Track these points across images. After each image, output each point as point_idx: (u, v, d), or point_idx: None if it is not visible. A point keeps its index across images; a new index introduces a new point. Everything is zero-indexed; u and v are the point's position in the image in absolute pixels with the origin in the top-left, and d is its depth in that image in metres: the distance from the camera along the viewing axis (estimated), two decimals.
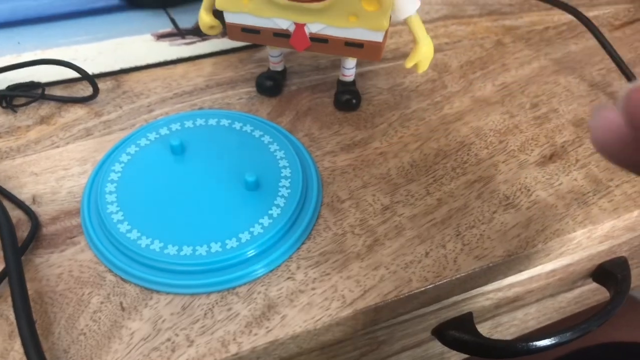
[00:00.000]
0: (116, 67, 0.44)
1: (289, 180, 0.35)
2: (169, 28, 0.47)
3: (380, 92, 0.43)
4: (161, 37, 0.46)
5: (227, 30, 0.38)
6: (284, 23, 0.36)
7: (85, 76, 0.41)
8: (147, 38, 0.46)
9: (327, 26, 0.35)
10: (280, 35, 0.37)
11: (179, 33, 0.47)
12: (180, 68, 0.44)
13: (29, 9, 0.48)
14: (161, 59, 0.44)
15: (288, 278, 0.31)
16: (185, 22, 0.48)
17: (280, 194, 0.34)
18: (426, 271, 0.32)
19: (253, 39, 0.38)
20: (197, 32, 0.47)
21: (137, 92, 0.42)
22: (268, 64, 0.42)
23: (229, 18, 0.37)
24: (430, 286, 0.31)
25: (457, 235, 0.34)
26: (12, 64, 0.40)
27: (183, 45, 0.46)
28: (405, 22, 0.35)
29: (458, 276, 0.32)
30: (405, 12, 0.34)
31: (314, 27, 0.36)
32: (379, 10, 0.34)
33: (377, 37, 0.35)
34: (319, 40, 0.36)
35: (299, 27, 0.36)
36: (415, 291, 0.31)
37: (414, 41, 0.35)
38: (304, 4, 0.34)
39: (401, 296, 0.31)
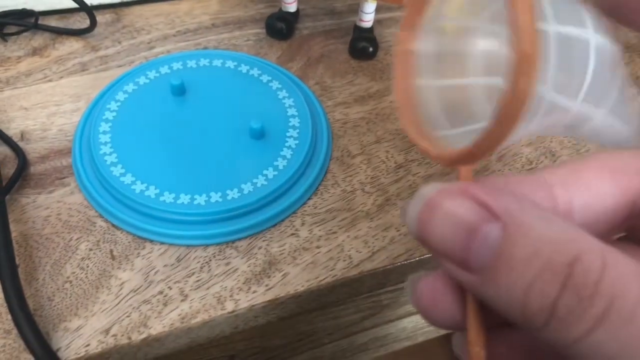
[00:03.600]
0: (116, 0, 0.40)
1: (297, 130, 0.32)
2: None
3: None
4: None
5: None
6: None
7: (82, 7, 0.37)
8: None
9: None
10: None
11: None
12: (185, 4, 0.41)
13: None
14: None
15: (292, 234, 0.29)
16: None
17: (287, 144, 0.32)
18: None
19: None
20: None
21: (138, 28, 0.39)
22: (280, 4, 0.39)
23: None
24: None
25: None
26: None
27: None
28: None
29: None
30: None
31: None
32: None
33: None
34: None
35: None
36: (427, 256, 0.29)
37: None
38: None
39: (412, 260, 0.29)
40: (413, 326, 0.43)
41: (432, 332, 0.46)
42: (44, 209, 0.29)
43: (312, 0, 0.42)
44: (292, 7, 0.39)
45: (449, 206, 0.15)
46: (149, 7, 0.40)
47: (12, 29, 0.38)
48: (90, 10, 0.37)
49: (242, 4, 0.41)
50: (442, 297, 0.16)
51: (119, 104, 0.33)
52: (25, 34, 0.38)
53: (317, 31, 0.40)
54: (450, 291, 0.16)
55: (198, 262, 0.28)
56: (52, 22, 0.39)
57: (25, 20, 0.38)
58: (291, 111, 0.33)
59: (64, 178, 0.31)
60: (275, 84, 0.34)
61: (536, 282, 0.13)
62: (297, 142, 0.32)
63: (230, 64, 0.35)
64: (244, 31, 0.39)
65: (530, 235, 0.13)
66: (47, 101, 0.34)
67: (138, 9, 0.40)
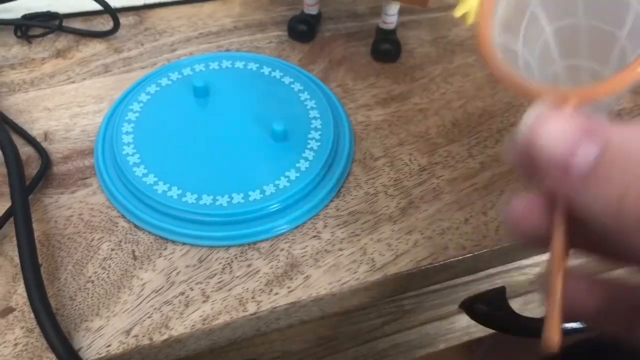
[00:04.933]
0: (139, 2, 0.41)
1: (320, 132, 0.32)
2: None
3: (422, 43, 0.39)
4: None
5: None
6: None
7: (106, 9, 0.38)
8: None
9: None
10: None
11: None
12: (207, 7, 0.41)
13: None
14: None
15: (314, 236, 0.29)
16: None
17: (309, 146, 0.31)
18: (464, 239, 0.29)
19: None
20: None
21: (160, 30, 0.39)
22: (301, 7, 0.39)
23: None
24: (469, 255, 0.29)
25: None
26: None
27: None
28: None
29: (500, 247, 0.29)
30: None
31: None
32: None
33: None
34: None
35: None
36: (451, 260, 0.28)
37: None
38: None
39: (436, 264, 0.28)
40: (435, 333, 0.42)
41: (454, 339, 0.45)
42: (67, 208, 0.29)
43: (334, 2, 0.42)
44: (314, 10, 0.39)
45: (564, 116, 0.16)
46: (172, 10, 0.41)
47: (37, 31, 0.38)
48: (113, 13, 0.38)
49: (263, 7, 0.41)
50: (531, 217, 0.18)
51: (141, 105, 0.33)
52: (49, 36, 0.38)
53: (339, 33, 0.40)
54: (539, 213, 0.18)
55: (220, 263, 0.28)
56: (76, 24, 0.39)
57: (50, 23, 0.38)
58: (313, 113, 0.33)
59: (86, 178, 0.31)
60: (297, 86, 0.34)
61: (631, 189, 0.15)
62: (319, 144, 0.31)
63: (252, 66, 0.35)
64: (266, 33, 0.39)
65: (633, 148, 0.15)
66: (71, 102, 0.34)
67: (161, 12, 0.40)
